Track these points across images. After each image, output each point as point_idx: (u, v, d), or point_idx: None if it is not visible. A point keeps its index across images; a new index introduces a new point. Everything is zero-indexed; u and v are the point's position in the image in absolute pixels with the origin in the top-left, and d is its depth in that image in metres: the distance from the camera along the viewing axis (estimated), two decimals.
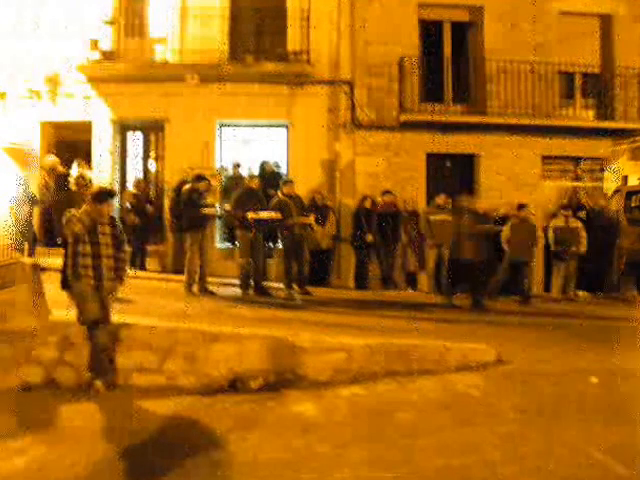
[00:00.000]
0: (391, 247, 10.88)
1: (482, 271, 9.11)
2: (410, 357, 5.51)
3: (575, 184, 12.25)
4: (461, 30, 12.20)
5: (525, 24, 11.91)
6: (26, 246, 8.87)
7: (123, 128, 11.92)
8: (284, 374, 5.35)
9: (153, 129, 11.97)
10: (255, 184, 9.24)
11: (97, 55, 11.11)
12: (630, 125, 11.91)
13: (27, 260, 6.07)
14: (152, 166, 12.25)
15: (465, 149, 11.81)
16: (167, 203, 11.04)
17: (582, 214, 11.35)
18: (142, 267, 10.71)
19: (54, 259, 7.13)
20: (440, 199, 10.58)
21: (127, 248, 5.86)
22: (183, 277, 8.91)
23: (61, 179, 10.89)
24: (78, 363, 5.35)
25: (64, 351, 5.42)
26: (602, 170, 12.34)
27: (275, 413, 4.64)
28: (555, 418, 4.24)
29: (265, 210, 8.90)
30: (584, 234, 10.51)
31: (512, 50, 11.67)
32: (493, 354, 5.65)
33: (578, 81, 12.24)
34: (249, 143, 12.46)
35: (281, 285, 9.35)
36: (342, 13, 11.58)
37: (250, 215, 8.73)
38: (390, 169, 11.54)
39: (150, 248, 11.10)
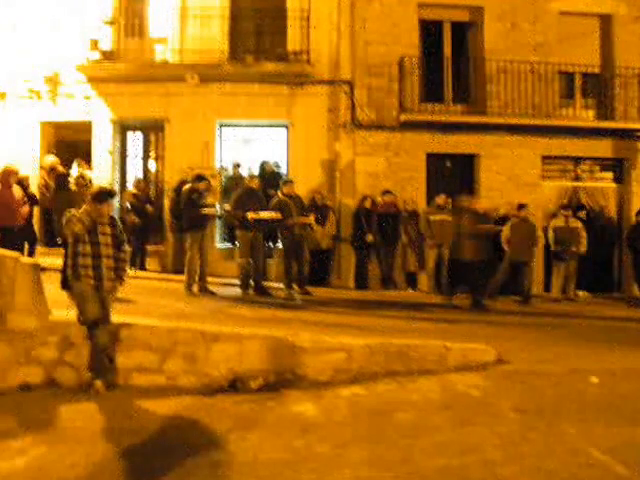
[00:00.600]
0: (391, 247, 10.89)
1: (482, 271, 9.11)
2: (410, 357, 5.51)
3: (575, 184, 12.25)
4: (461, 30, 12.20)
5: (525, 24, 11.91)
6: (26, 246, 8.86)
7: (123, 128, 11.92)
8: (284, 374, 5.35)
9: (153, 129, 11.96)
10: (255, 184, 9.25)
11: (97, 55, 11.11)
12: (630, 125, 11.91)
13: (27, 260, 6.06)
14: (152, 166, 12.26)
15: (465, 149, 11.80)
16: (167, 203, 11.05)
17: (582, 214, 11.36)
18: (142, 267, 10.71)
19: (54, 259, 7.14)
20: (440, 199, 10.59)
21: (127, 248, 5.86)
22: (183, 277, 8.91)
23: (61, 179, 10.90)
24: (78, 363, 5.34)
25: (64, 351, 5.42)
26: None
27: (275, 413, 4.64)
28: (555, 418, 4.24)
29: (265, 210, 8.90)
30: (584, 234, 10.53)
31: (512, 50, 11.68)
32: (493, 354, 5.65)
33: (578, 81, 12.23)
34: (249, 143, 12.46)
35: (281, 285, 9.36)
36: (342, 13, 11.58)
37: (250, 215, 8.73)
38: (390, 169, 11.53)
39: (150, 248, 11.10)
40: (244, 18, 11.73)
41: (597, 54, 12.27)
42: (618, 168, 12.31)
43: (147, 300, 7.55)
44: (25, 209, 8.56)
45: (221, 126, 11.77)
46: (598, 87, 12.15)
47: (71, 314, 5.34)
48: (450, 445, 3.87)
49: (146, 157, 12.21)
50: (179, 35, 11.41)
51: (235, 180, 11.11)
